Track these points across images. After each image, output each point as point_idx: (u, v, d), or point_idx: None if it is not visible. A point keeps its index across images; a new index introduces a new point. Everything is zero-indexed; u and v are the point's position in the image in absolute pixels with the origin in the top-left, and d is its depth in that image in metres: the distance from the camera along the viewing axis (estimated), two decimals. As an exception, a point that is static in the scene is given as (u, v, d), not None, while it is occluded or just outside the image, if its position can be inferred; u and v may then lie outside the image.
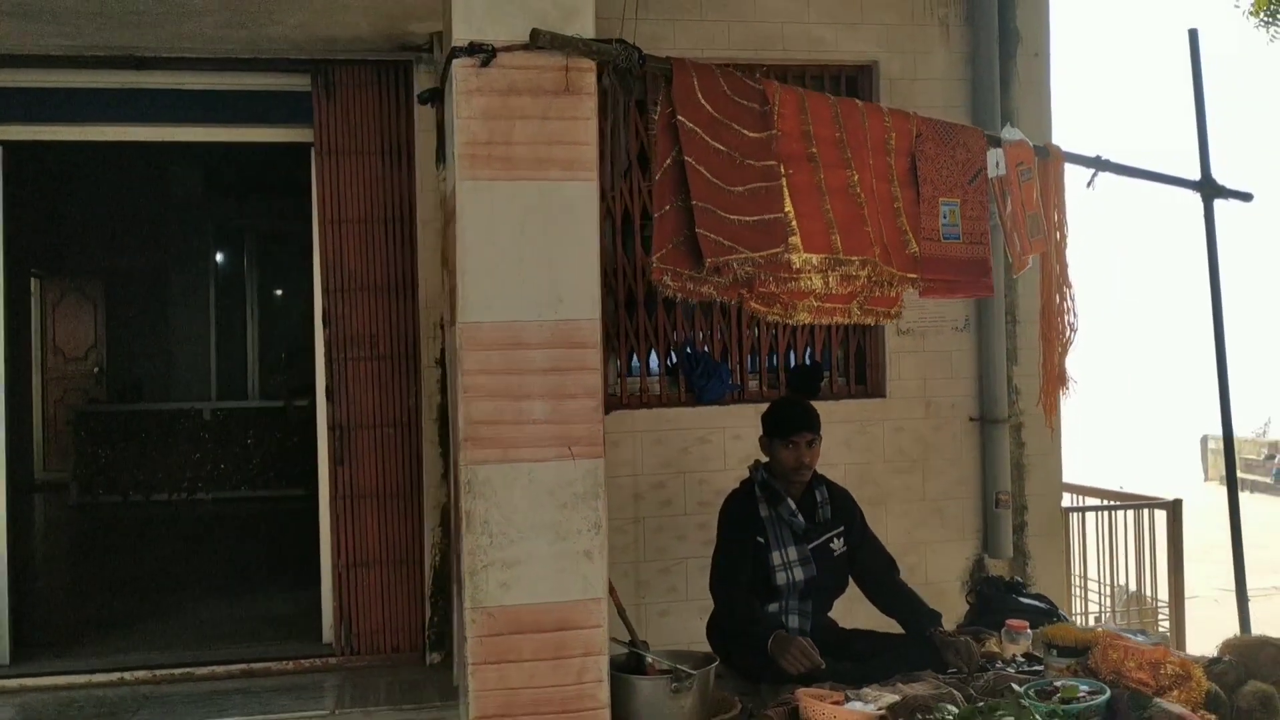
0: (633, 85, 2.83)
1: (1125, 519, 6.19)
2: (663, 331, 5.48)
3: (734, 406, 5.48)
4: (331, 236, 5.33)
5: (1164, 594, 6.14)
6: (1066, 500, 6.14)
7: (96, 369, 12.76)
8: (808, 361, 5.60)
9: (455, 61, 2.72)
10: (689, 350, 5.51)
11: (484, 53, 2.70)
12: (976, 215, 3.54)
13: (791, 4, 5.51)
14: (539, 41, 2.69)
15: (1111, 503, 6.33)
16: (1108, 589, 6.22)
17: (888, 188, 3.31)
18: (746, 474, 4.21)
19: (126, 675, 5.13)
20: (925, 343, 5.62)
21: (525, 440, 2.76)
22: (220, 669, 5.20)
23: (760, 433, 4.10)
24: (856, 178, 3.20)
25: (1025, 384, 5.70)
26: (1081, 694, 3.41)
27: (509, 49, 2.73)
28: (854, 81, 5.72)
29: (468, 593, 2.72)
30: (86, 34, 4.84)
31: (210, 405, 11.57)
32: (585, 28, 2.79)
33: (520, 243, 2.75)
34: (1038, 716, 3.24)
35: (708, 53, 5.30)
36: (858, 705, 3.39)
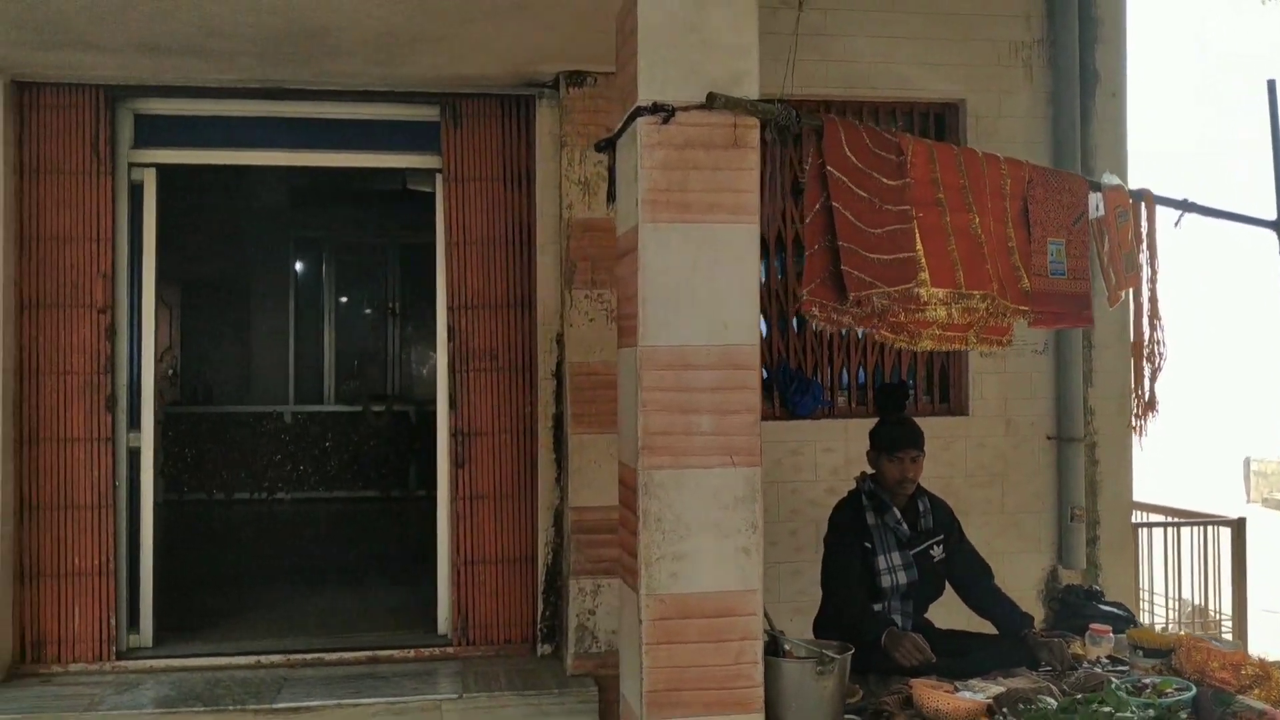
0: (790, 140, 3.23)
1: (1190, 535, 6.51)
2: (761, 349, 5.84)
3: (824, 421, 5.85)
4: (456, 257, 5.75)
5: (1226, 607, 6.45)
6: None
7: (170, 371, 13.25)
8: (894, 381, 5.96)
9: (640, 119, 3.12)
10: (784, 367, 5.88)
11: (665, 112, 3.11)
12: (1079, 253, 3.91)
13: (882, 46, 5.89)
14: (715, 104, 3.09)
15: (1176, 519, 6.64)
16: (1173, 602, 6.53)
17: (1003, 229, 3.69)
18: (847, 485, 4.59)
19: (263, 659, 5.57)
20: (1006, 364, 5.97)
21: (694, 449, 3.16)
22: (348, 655, 5.62)
23: (868, 447, 4.48)
24: (977, 220, 3.58)
25: (1100, 405, 6.05)
26: (1171, 690, 3.76)
27: (686, 109, 3.13)
28: (940, 119, 6.09)
29: (643, 581, 3.11)
30: (241, 69, 5.29)
31: (290, 409, 12.04)
32: (751, 90, 3.19)
33: (692, 277, 3.15)
34: (1133, 708, 3.59)
35: (805, 90, 5.65)
36: (967, 694, 3.75)
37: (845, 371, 6.01)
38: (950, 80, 5.97)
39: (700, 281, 3.15)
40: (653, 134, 3.13)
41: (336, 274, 13.10)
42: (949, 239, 3.49)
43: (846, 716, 3.64)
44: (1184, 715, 3.61)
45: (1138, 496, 6.39)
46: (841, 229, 3.28)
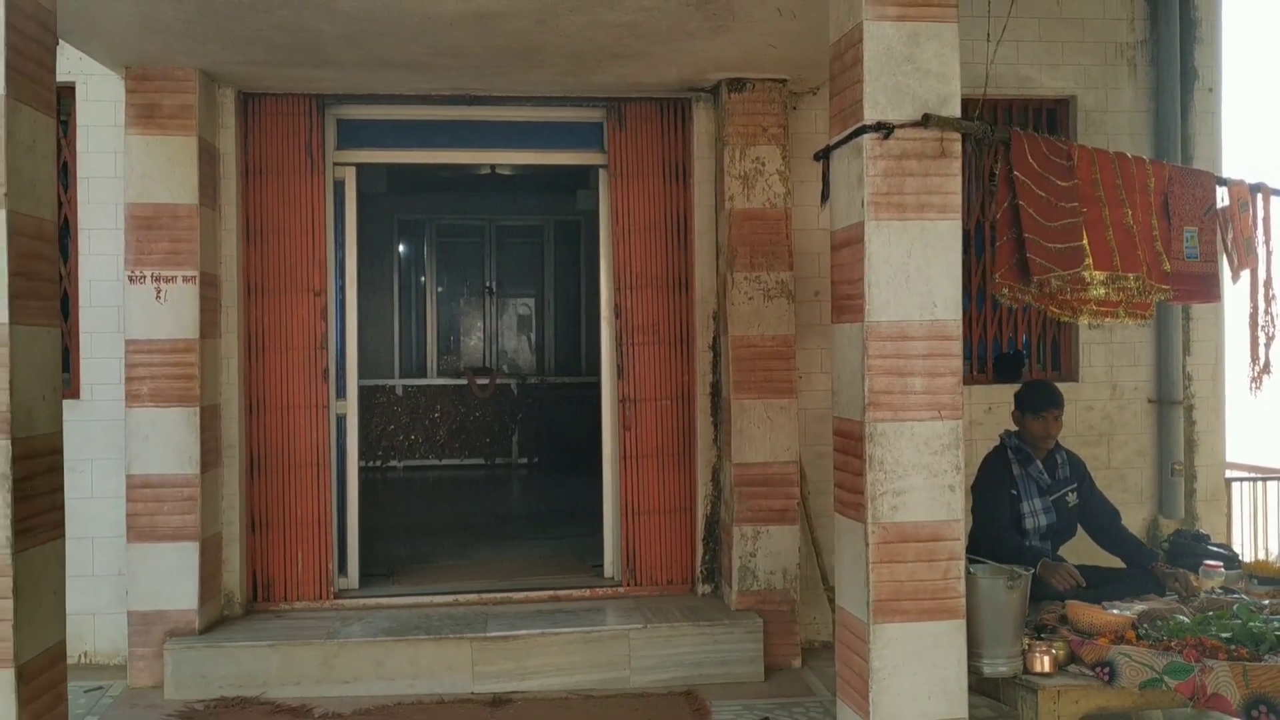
0: (984, 150, 3.92)
1: (1277, 490, 7.18)
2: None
3: (950, 387, 6.53)
4: (621, 244, 6.46)
5: (1309, 556, 7.10)
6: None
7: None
8: (1011, 350, 6.65)
9: (865, 135, 3.82)
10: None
11: (886, 129, 3.80)
12: (1209, 239, 4.58)
13: (1002, 49, 6.49)
14: (929, 123, 3.78)
15: (1264, 475, 7.30)
16: (1262, 550, 7.19)
17: (1149, 220, 4.36)
18: (968, 444, 5.27)
19: (459, 598, 6.36)
20: (1112, 335, 6.64)
21: (908, 406, 3.86)
22: (533, 594, 6.40)
23: (1013, 407, 5.17)
24: (1129, 213, 4.26)
25: (1196, 371, 6.73)
26: (1288, 609, 4.45)
27: (903, 126, 3.82)
28: (1053, 113, 6.74)
29: (869, 513, 3.83)
30: (447, 80, 6.00)
31: (399, 382, 12.83)
32: (954, 109, 3.87)
33: (907, 264, 3.85)
34: (1259, 620, 4.28)
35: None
36: (1115, 611, 4.46)
37: (967, 342, 6.69)
38: (1063, 79, 6.63)
39: (914, 268, 3.85)
40: (876, 147, 3.82)
41: (437, 254, 13.86)
42: (1108, 230, 4.17)
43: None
44: (1304, 626, 4.30)
45: (1232, 456, 7.04)
46: (1026, 223, 3.97)
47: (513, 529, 8.57)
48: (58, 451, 3.72)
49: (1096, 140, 6.57)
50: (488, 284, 13.93)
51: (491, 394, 12.60)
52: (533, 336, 14.18)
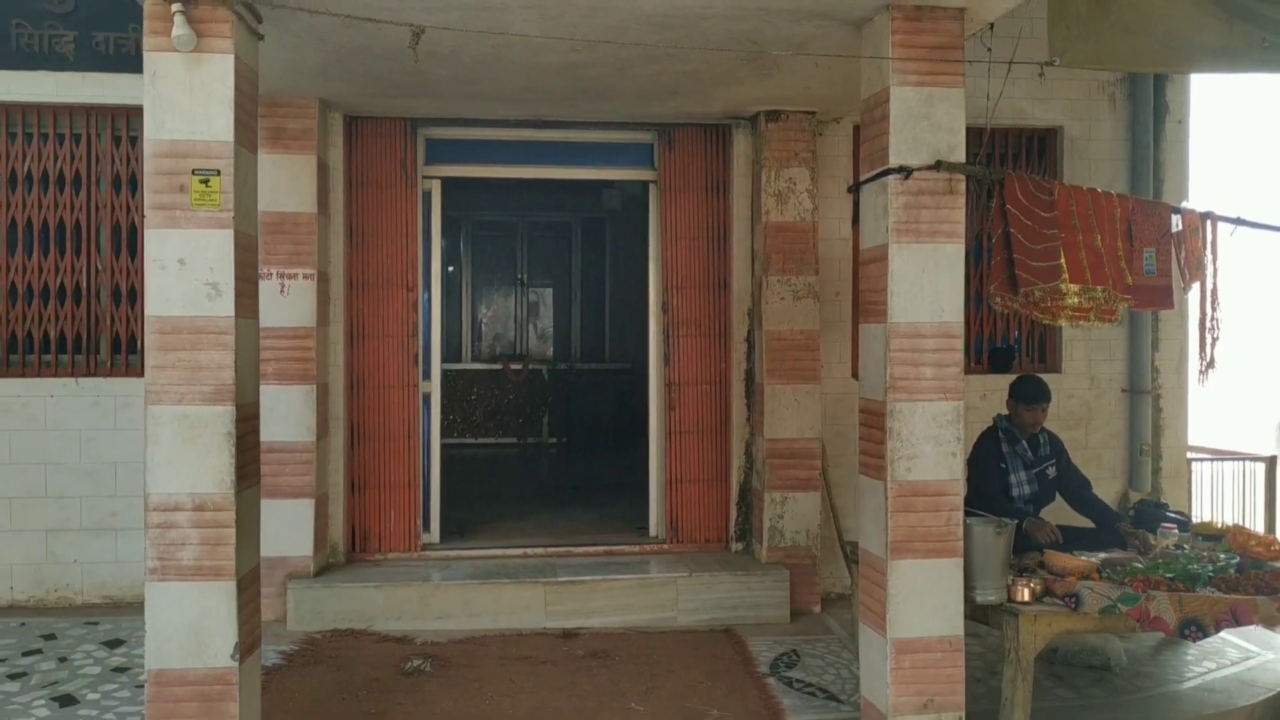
0: (982, 189, 4.96)
1: (1233, 469, 8.24)
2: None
3: (950, 376, 7.58)
4: (668, 249, 7.49)
5: (1259, 526, 8.17)
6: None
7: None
8: (1004, 345, 7.70)
9: (889, 176, 4.85)
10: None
11: (907, 172, 4.83)
12: (1165, 258, 5.62)
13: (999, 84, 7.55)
14: (940, 167, 4.82)
15: (1220, 457, 8.37)
16: (1218, 521, 8.25)
17: (1115, 242, 5.40)
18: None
19: (528, 551, 7.41)
20: (1091, 333, 7.69)
21: (920, 389, 4.90)
22: (591, 549, 7.45)
23: (1008, 396, 6.22)
24: (1099, 237, 5.30)
25: (1164, 365, 7.78)
26: (1222, 557, 5.51)
27: (919, 169, 4.85)
28: (1043, 141, 7.78)
29: (888, 473, 4.88)
30: (521, 108, 7.02)
31: (441, 366, 13.80)
32: (960, 156, 4.90)
33: (921, 278, 4.89)
34: (1196, 564, 5.33)
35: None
36: (1083, 557, 5.52)
37: (965, 338, 7.72)
38: (1052, 111, 7.66)
39: (926, 281, 4.89)
40: (898, 186, 4.86)
41: (473, 248, 14.89)
42: (1081, 251, 5.22)
43: (1003, 571, 5.40)
44: (1232, 570, 5.35)
45: (1194, 440, 8.10)
46: (1015, 246, 5.01)
47: (558, 498, 9.62)
48: (257, 416, 4.76)
49: (1079, 165, 7.62)
50: (519, 276, 14.96)
51: (524, 378, 13.64)
52: (561, 325, 15.20)
